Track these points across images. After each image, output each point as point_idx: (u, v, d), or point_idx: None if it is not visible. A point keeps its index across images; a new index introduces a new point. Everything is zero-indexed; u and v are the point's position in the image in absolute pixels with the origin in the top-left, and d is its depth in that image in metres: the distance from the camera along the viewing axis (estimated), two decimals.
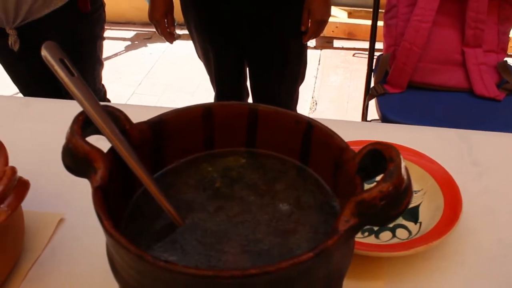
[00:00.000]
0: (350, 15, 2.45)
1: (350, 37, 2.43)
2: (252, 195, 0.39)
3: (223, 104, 0.43)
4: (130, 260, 0.28)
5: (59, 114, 0.75)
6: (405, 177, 0.30)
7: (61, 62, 0.34)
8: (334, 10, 2.44)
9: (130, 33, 2.53)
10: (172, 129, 0.41)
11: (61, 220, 0.55)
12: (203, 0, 1.12)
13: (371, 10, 1.41)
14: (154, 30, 1.18)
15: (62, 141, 0.39)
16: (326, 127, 0.39)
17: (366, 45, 1.52)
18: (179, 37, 2.58)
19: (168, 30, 1.16)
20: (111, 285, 0.46)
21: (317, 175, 0.41)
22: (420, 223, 0.52)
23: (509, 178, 0.60)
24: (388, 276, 0.47)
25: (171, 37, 1.18)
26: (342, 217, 0.29)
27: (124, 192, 0.37)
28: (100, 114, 0.34)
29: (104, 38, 1.15)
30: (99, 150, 0.33)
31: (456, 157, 0.63)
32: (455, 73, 1.23)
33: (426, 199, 0.54)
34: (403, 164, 0.30)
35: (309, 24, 1.13)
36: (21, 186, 0.43)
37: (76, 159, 0.33)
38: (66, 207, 0.57)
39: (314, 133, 0.40)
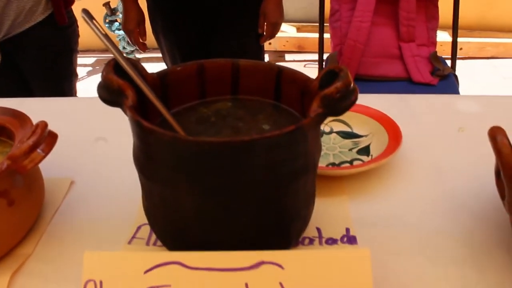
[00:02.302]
0: (299, 30, 2.65)
1: (300, 50, 2.62)
2: (240, 123, 0.51)
3: (212, 61, 0.55)
4: (166, 144, 0.39)
5: (55, 109, 0.85)
6: (351, 81, 0.43)
7: (95, 23, 0.45)
8: (284, 26, 2.63)
9: (90, 60, 2.62)
10: (174, 80, 0.52)
11: (72, 183, 0.65)
12: (169, 9, 1.24)
13: (317, 24, 1.60)
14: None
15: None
16: (292, 69, 0.52)
17: (315, 56, 1.69)
18: (139, 60, 2.70)
19: (140, 39, 1.27)
20: (115, 229, 0.56)
21: (288, 108, 0.53)
22: (372, 155, 0.65)
23: (438, 124, 0.75)
24: (350, 191, 0.60)
25: (143, 46, 1.30)
26: (312, 108, 0.41)
27: None
28: (125, 60, 0.46)
29: (78, 52, 1.25)
30: (127, 83, 0.44)
31: (397, 112, 0.77)
32: (394, 65, 1.40)
33: (375, 139, 0.68)
34: (349, 74, 0.43)
35: (265, 27, 1.28)
36: (51, 137, 0.53)
37: (111, 90, 0.44)
38: (75, 173, 0.67)
39: (284, 75, 0.52)
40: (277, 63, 0.53)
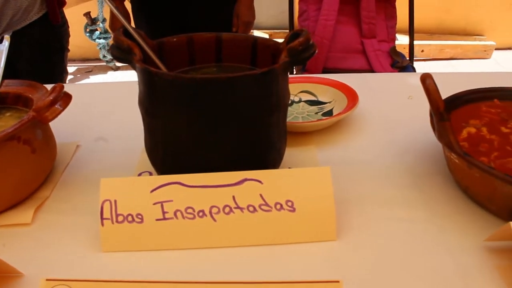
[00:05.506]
0: (271, 36, 2.79)
1: None
2: None
3: (199, 34, 0.66)
4: (169, 83, 0.50)
5: None
6: (311, 38, 0.55)
7: None
8: (257, 33, 2.78)
9: (71, 68, 2.69)
10: (169, 48, 0.64)
11: (77, 146, 0.75)
12: (152, 12, 1.36)
13: (287, 31, 1.74)
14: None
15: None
16: (265, 37, 0.64)
17: None
18: (118, 68, 2.79)
19: None
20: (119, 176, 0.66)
21: None
22: None
23: (390, 93, 0.88)
24: (317, 143, 0.72)
25: None
26: (281, 56, 0.53)
27: None
28: (132, 28, 0.57)
29: (69, 50, 1.35)
30: (135, 44, 0.55)
31: (357, 87, 0.90)
32: (358, 59, 1.54)
33: (337, 104, 0.80)
34: (309, 33, 0.56)
35: (238, 26, 1.41)
36: (67, 96, 0.64)
37: (122, 49, 0.55)
38: (80, 137, 0.77)
39: (258, 43, 0.64)
40: (253, 36, 0.65)
